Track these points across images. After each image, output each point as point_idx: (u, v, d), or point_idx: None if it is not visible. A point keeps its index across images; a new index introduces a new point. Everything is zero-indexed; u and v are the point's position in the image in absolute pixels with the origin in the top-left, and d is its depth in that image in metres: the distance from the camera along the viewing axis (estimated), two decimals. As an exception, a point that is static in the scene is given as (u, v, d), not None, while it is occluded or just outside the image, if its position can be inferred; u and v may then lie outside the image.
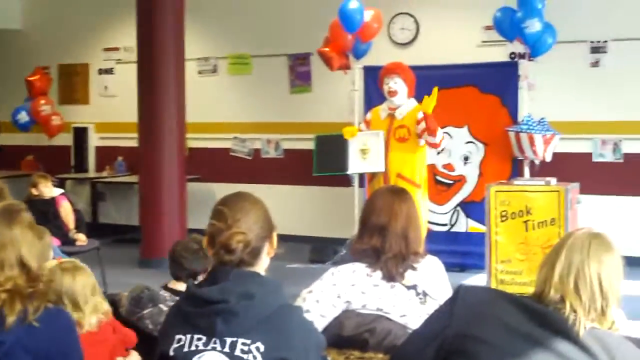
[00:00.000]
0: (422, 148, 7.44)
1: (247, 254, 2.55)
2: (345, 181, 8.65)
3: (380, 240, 3.30)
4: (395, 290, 3.26)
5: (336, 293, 3.25)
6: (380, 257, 3.29)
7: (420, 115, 7.09)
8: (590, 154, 9.18)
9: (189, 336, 2.50)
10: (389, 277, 3.26)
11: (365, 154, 7.39)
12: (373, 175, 7.45)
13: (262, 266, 2.62)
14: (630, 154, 9.04)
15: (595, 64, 9.20)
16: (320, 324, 3.18)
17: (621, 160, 9.04)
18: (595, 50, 9.18)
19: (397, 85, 7.30)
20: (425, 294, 3.26)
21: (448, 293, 3.27)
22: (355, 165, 7.54)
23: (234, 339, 2.46)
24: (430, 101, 7.05)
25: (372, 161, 7.40)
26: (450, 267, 7.06)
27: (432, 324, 2.57)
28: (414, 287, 3.27)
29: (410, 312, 3.22)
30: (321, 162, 7.92)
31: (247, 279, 2.53)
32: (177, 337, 2.52)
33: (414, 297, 3.25)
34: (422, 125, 7.08)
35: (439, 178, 8.87)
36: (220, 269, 2.55)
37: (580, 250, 2.39)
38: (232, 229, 2.51)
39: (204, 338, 2.49)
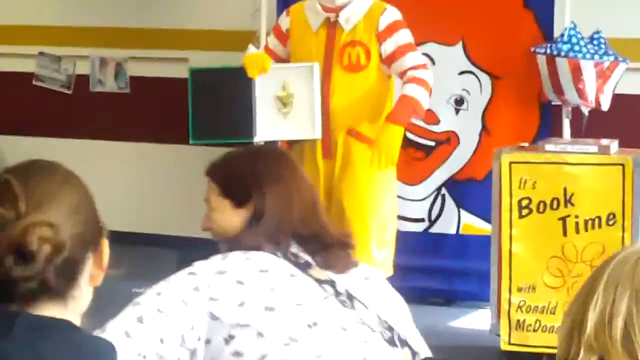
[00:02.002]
0: (390, 81, 6.39)
1: (56, 269, 1.90)
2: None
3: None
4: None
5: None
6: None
7: (384, 22, 6.18)
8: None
9: None
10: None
11: (286, 104, 6.32)
12: (298, 140, 6.47)
13: (78, 305, 2.01)
14: None
15: None
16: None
17: None
18: None
19: None
20: (351, 297, 3.05)
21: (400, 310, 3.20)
22: (268, 126, 6.32)
23: None
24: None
25: (298, 118, 6.36)
26: (429, 297, 7.12)
27: None
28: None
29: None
30: (202, 119, 6.49)
31: (50, 336, 1.91)
32: None
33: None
34: (392, 46, 6.22)
35: (410, 136, 7.24)
36: None
37: (630, 283, 2.02)
38: (28, 217, 1.93)
39: None
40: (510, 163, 6.14)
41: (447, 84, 7.07)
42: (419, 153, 7.32)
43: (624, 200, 6.08)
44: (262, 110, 6.30)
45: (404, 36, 6.18)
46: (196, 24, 8.27)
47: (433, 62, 7.03)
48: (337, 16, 6.14)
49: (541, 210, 6.16)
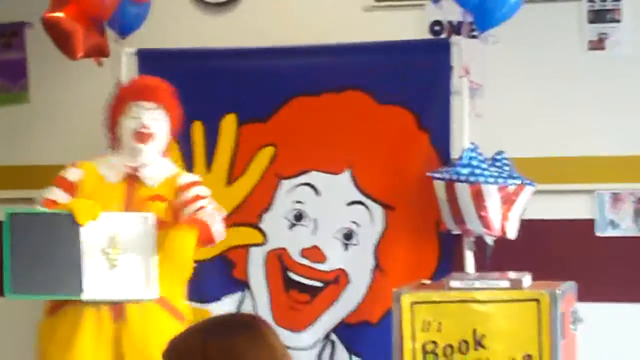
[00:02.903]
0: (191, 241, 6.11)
1: None
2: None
3: None
4: None
5: None
6: None
7: (184, 179, 6.04)
8: (591, 222, 7.04)
9: None
10: None
11: (115, 259, 5.91)
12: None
13: None
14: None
15: (600, 44, 7.11)
16: None
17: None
18: (599, 17, 7.09)
19: (157, 122, 5.99)
20: None
21: None
22: (98, 282, 5.84)
23: None
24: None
25: (131, 275, 5.92)
26: None
27: None
28: None
29: None
30: (21, 270, 5.92)
31: None
32: None
33: None
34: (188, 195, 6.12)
35: (293, 276, 6.82)
36: None
37: None
38: None
39: None
40: (412, 304, 5.82)
41: (334, 216, 6.69)
42: (304, 295, 6.80)
43: (540, 340, 5.75)
44: (91, 263, 5.88)
45: (203, 189, 6.05)
46: (51, 159, 7.45)
47: (317, 192, 6.71)
48: (140, 172, 5.97)
49: (448, 355, 5.81)
